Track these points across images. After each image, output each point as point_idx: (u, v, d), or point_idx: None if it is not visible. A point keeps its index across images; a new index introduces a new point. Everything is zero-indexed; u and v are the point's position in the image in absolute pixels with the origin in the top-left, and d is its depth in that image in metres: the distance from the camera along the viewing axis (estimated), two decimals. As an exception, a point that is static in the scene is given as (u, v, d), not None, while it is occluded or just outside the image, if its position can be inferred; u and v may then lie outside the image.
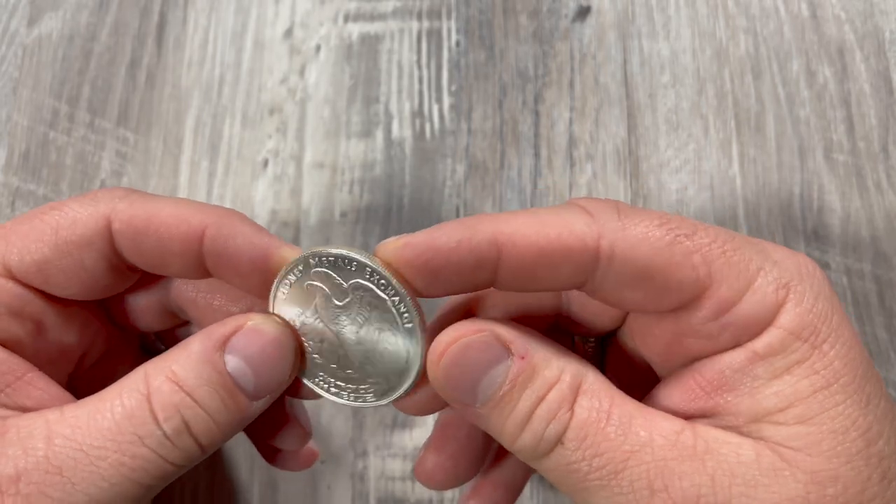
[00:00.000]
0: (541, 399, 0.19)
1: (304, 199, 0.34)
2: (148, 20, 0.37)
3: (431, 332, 0.21)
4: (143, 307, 0.25)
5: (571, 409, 0.19)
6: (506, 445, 0.20)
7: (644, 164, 0.34)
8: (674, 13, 0.36)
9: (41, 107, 0.36)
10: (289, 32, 0.37)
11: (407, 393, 0.21)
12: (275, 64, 0.36)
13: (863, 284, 0.32)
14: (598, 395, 0.19)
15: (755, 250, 0.19)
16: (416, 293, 0.20)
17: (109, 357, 0.25)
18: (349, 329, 0.21)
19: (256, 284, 0.22)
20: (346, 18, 0.37)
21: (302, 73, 0.36)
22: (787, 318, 0.19)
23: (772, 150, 0.34)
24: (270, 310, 0.22)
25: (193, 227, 0.21)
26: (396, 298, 0.21)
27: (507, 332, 0.20)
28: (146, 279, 0.24)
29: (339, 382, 0.22)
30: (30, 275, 0.22)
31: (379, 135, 0.35)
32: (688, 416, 0.20)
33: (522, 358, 0.19)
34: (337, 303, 0.21)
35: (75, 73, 0.37)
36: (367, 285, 0.21)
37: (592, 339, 0.25)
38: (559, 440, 0.19)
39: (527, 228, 0.19)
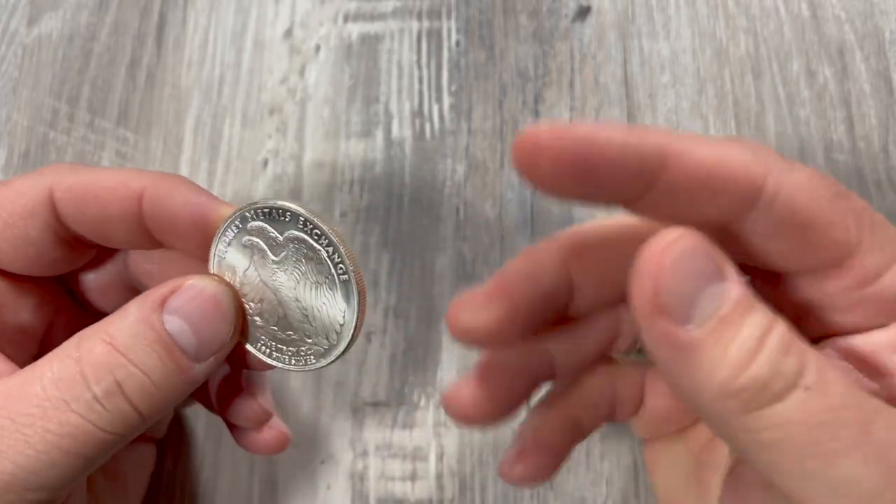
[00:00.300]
0: (769, 329, 0.16)
1: (304, 199, 0.34)
2: (148, 20, 0.37)
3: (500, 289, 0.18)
4: (103, 286, 0.24)
5: (803, 352, 0.16)
6: (716, 387, 0.16)
7: (644, 164, 0.34)
8: (674, 13, 0.36)
9: (41, 107, 0.36)
10: (289, 32, 0.37)
11: (345, 351, 0.21)
12: (275, 64, 0.36)
13: (863, 284, 0.32)
14: (809, 347, 0.16)
15: (893, 227, 0.18)
16: (545, 187, 0.17)
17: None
18: (286, 286, 0.21)
19: (198, 245, 0.21)
20: (346, 18, 0.37)
21: (302, 73, 0.36)
22: None
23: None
24: (210, 270, 0.22)
25: (132, 190, 0.21)
26: (330, 249, 0.20)
27: (722, 253, 0.17)
28: (102, 256, 0.24)
29: (280, 346, 0.22)
30: None
31: (379, 135, 0.35)
32: None
33: (742, 285, 0.16)
34: (273, 258, 0.21)
35: (75, 72, 0.37)
36: (301, 236, 0.21)
37: None
38: (798, 382, 0.16)
39: (697, 147, 0.17)
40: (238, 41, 0.37)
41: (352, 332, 0.21)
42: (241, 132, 0.36)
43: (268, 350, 0.22)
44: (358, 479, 0.31)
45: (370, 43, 0.36)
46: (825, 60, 0.35)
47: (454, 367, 0.32)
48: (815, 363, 0.16)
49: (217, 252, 0.22)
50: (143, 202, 0.21)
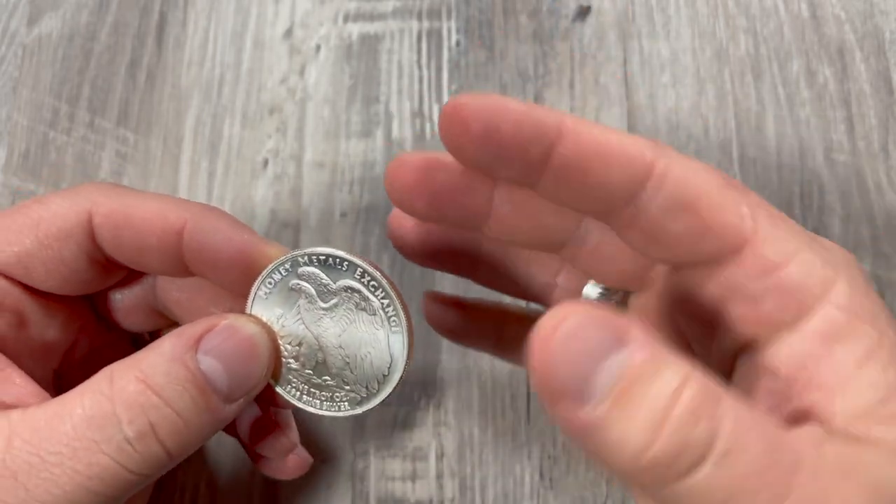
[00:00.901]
0: (677, 395, 0.15)
1: (303, 199, 0.34)
2: (148, 20, 0.37)
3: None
4: (130, 306, 0.24)
5: (717, 410, 0.15)
6: (626, 464, 0.15)
7: (644, 164, 0.34)
8: (674, 13, 0.36)
9: (41, 106, 0.36)
10: (289, 32, 0.37)
11: (386, 400, 0.21)
12: (275, 64, 0.36)
13: (863, 284, 0.32)
14: (734, 400, 0.15)
15: (802, 230, 0.18)
16: (465, 155, 0.18)
17: (100, 356, 0.25)
18: (331, 332, 0.21)
19: (236, 282, 0.21)
20: (346, 18, 0.37)
21: (302, 73, 0.36)
22: (842, 297, 0.17)
23: (772, 150, 0.34)
24: (248, 309, 0.22)
25: (172, 223, 0.21)
26: (386, 301, 0.21)
27: (623, 319, 0.16)
28: (131, 278, 0.24)
29: (312, 389, 0.22)
30: (10, 267, 0.21)
31: (379, 135, 0.35)
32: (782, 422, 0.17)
33: (645, 347, 0.15)
34: (322, 304, 0.21)
35: (75, 72, 0.37)
36: (356, 286, 0.21)
37: (619, 293, 0.22)
38: (710, 450, 0.15)
39: (591, 126, 0.18)
40: (238, 41, 0.37)
41: (395, 383, 0.21)
42: (241, 132, 0.36)
43: (298, 393, 0.22)
44: (358, 479, 0.31)
45: (370, 43, 0.36)
46: (825, 60, 0.35)
47: (454, 366, 0.32)
48: (730, 424, 0.15)
49: (258, 292, 0.21)
50: (185, 236, 0.21)
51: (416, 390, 0.32)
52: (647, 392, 0.15)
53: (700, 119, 0.34)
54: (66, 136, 0.36)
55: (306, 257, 0.21)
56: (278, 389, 0.22)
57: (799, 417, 0.17)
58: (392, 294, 0.21)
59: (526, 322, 0.23)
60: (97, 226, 0.21)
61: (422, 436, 0.31)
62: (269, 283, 0.21)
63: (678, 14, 0.36)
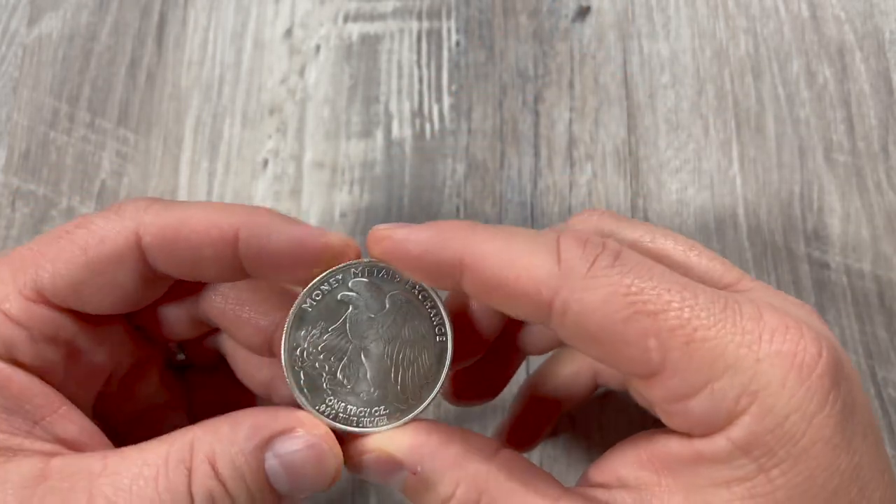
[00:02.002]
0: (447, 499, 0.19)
1: (304, 200, 0.34)
2: (148, 20, 0.37)
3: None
4: (173, 318, 0.24)
5: None
6: None
7: (644, 164, 0.34)
8: (674, 13, 0.36)
9: (41, 107, 0.36)
10: (289, 32, 0.37)
11: (425, 409, 0.21)
12: (275, 64, 0.36)
13: (863, 284, 0.32)
14: (503, 498, 0.19)
15: (739, 338, 0.18)
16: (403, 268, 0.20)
17: (138, 374, 0.25)
18: (377, 344, 0.21)
19: (300, 278, 0.21)
20: (346, 18, 0.37)
21: (302, 73, 0.36)
22: (738, 432, 0.17)
23: (772, 151, 0.34)
24: (287, 322, 0.21)
25: (225, 232, 0.21)
26: (433, 311, 0.21)
27: (402, 448, 0.20)
28: (176, 290, 0.24)
29: (350, 407, 0.22)
30: (64, 297, 0.21)
31: (379, 135, 0.35)
32: (628, 483, 0.20)
33: (414, 473, 0.20)
34: (370, 315, 0.21)
35: (75, 72, 0.37)
36: (406, 297, 0.21)
37: None
38: None
39: (492, 259, 0.19)
40: (238, 41, 0.37)
41: (437, 389, 0.21)
42: (241, 132, 0.36)
43: (333, 412, 0.21)
44: (358, 479, 0.31)
45: (370, 43, 0.36)
46: (825, 61, 0.35)
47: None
48: None
49: (304, 304, 0.21)
50: (241, 243, 0.21)
51: (416, 390, 0.32)
52: (427, 498, 0.20)
53: (700, 119, 0.34)
54: (67, 136, 0.36)
55: (359, 268, 0.21)
56: (310, 409, 0.21)
57: (646, 486, 0.19)
58: (440, 305, 0.21)
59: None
60: (148, 245, 0.21)
61: (422, 436, 0.31)
62: (317, 295, 0.21)
63: (678, 14, 0.36)
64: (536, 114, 0.35)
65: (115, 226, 0.21)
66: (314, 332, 0.21)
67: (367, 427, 0.21)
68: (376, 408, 0.21)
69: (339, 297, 0.21)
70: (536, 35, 0.36)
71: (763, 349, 0.18)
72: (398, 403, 0.21)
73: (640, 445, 0.20)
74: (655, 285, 0.18)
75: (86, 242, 0.21)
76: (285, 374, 0.21)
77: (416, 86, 0.36)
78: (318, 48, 0.37)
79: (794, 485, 0.17)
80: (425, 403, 0.21)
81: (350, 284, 0.21)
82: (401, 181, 0.34)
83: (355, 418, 0.21)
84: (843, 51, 0.35)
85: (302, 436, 0.20)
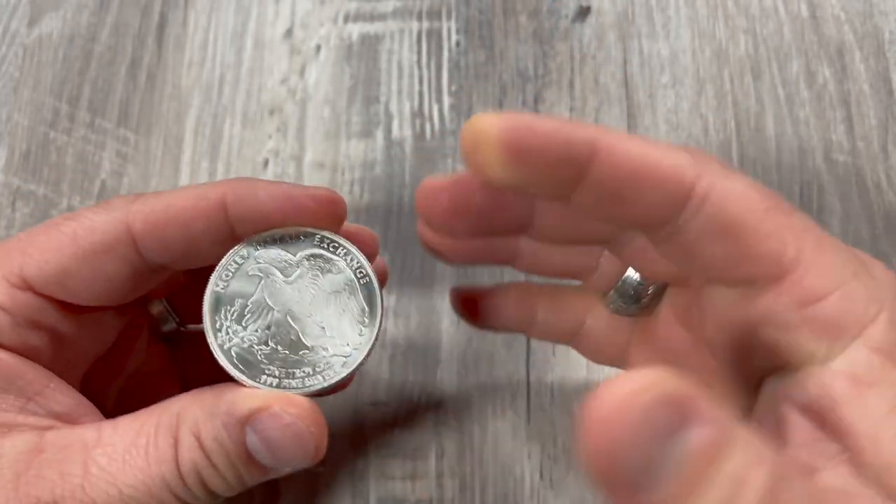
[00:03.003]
0: (741, 484, 0.14)
1: (304, 199, 0.35)
2: (148, 20, 0.37)
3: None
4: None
5: (788, 496, 0.14)
6: None
7: (644, 164, 0.34)
8: (674, 13, 0.36)
9: (41, 107, 0.36)
10: (289, 32, 0.37)
11: (371, 352, 0.21)
12: (275, 64, 0.36)
13: (862, 284, 0.32)
14: (802, 479, 0.15)
15: (853, 257, 0.18)
16: (491, 182, 0.17)
17: (119, 345, 0.25)
18: (300, 304, 0.21)
19: (291, 224, 0.22)
20: (346, 19, 0.37)
21: (302, 73, 0.36)
22: (879, 338, 0.16)
23: (771, 151, 0.34)
24: (204, 307, 0.21)
25: (212, 201, 0.21)
26: (349, 257, 0.21)
27: (688, 388, 0.14)
28: (167, 285, 0.24)
29: (291, 370, 0.21)
30: (50, 286, 0.21)
31: (379, 135, 0.35)
32: (817, 468, 0.16)
33: (712, 423, 0.14)
34: (285, 278, 0.21)
35: (76, 73, 0.37)
36: (317, 252, 0.21)
37: (657, 284, 0.22)
38: None
39: (628, 143, 0.17)
40: (238, 41, 0.37)
41: (377, 328, 0.21)
42: (241, 132, 0.36)
43: (276, 380, 0.21)
44: (358, 479, 0.31)
45: (370, 43, 0.36)
46: (825, 61, 0.35)
47: (454, 366, 0.32)
48: None
49: (215, 287, 0.21)
50: (230, 207, 0.21)
51: (416, 390, 0.32)
52: (716, 476, 0.14)
53: (700, 119, 0.34)
54: (67, 136, 0.36)
55: (262, 239, 0.21)
56: (252, 384, 0.21)
57: (827, 463, 0.16)
58: (352, 249, 0.21)
59: (559, 297, 0.25)
60: (139, 233, 0.21)
61: (422, 436, 0.31)
62: (227, 275, 0.21)
63: (678, 14, 0.36)
64: (537, 113, 0.35)
65: (105, 216, 0.21)
66: (234, 309, 0.22)
67: (318, 384, 0.21)
68: (320, 364, 0.21)
69: (249, 271, 0.21)
70: (536, 35, 0.36)
71: (873, 269, 0.18)
72: (341, 354, 0.21)
73: (796, 421, 0.17)
74: (774, 194, 0.18)
75: (75, 232, 0.21)
76: (216, 357, 0.21)
77: (416, 86, 0.36)
78: (318, 48, 0.37)
79: None
80: (370, 343, 0.21)
81: (256, 257, 0.21)
82: (401, 181, 0.34)
83: (301, 380, 0.21)
84: (843, 51, 0.35)
85: (279, 414, 0.20)
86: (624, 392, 0.14)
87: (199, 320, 0.27)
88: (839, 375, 0.16)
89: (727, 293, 0.19)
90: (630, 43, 0.36)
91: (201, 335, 0.28)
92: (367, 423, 0.31)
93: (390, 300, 0.33)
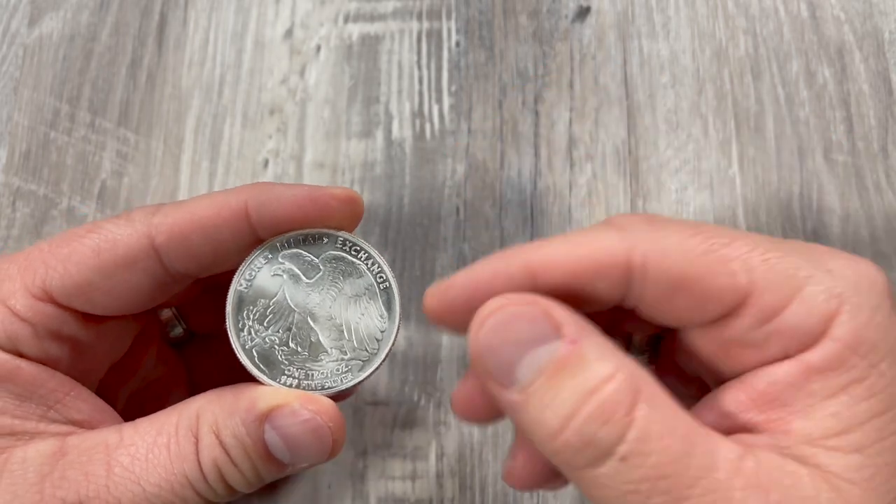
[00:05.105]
0: (591, 393, 0.16)
1: (304, 199, 0.35)
2: (148, 20, 0.37)
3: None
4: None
5: (631, 415, 0.16)
6: (541, 445, 0.18)
7: (644, 164, 0.34)
8: (673, 13, 0.36)
9: (42, 107, 0.36)
10: (289, 33, 0.37)
11: (388, 355, 0.21)
12: (275, 64, 0.37)
13: (862, 284, 0.32)
14: (661, 405, 0.17)
15: (805, 258, 0.18)
16: (455, 327, 0.20)
17: (131, 351, 0.25)
18: (321, 306, 0.22)
19: (313, 225, 0.22)
20: (347, 19, 0.37)
21: (302, 73, 0.36)
22: (842, 331, 0.17)
23: (771, 151, 0.34)
24: (228, 306, 0.22)
25: (235, 208, 0.21)
26: (370, 261, 0.21)
27: (562, 312, 0.18)
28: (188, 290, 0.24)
29: (311, 372, 0.22)
30: (71, 298, 0.21)
31: (379, 135, 0.35)
32: (736, 430, 0.18)
33: (573, 343, 0.17)
34: (307, 280, 0.22)
35: (76, 73, 0.37)
36: (339, 255, 0.21)
37: (649, 339, 0.23)
38: (613, 450, 0.16)
39: (557, 251, 0.19)
40: (238, 41, 0.37)
41: (394, 334, 0.21)
42: (241, 132, 0.36)
43: (295, 381, 0.22)
44: (358, 479, 0.31)
45: (370, 43, 0.36)
46: (824, 61, 0.35)
47: (454, 367, 0.32)
48: (638, 430, 0.16)
49: (238, 287, 0.22)
50: (252, 213, 0.21)
51: (416, 390, 0.32)
52: (566, 384, 0.17)
53: (700, 119, 0.34)
54: (67, 136, 0.36)
55: (285, 241, 0.21)
56: (272, 383, 0.22)
57: (752, 429, 0.18)
58: (374, 253, 0.21)
59: None
60: (162, 245, 0.21)
61: (422, 436, 0.31)
62: (251, 276, 0.22)
63: (678, 14, 0.36)
64: (536, 114, 0.35)
65: (127, 230, 0.22)
66: (256, 309, 0.22)
67: (336, 386, 0.22)
68: (338, 367, 0.22)
69: (272, 273, 0.22)
70: (536, 35, 0.36)
71: (829, 263, 0.18)
72: (358, 357, 0.22)
73: (735, 392, 0.19)
74: (711, 227, 0.19)
75: (98, 245, 0.21)
76: (238, 357, 0.22)
77: (416, 86, 0.36)
78: (318, 48, 0.37)
79: None
80: (387, 349, 0.21)
81: (279, 258, 0.22)
82: (401, 181, 0.34)
83: (320, 382, 0.22)
84: (843, 51, 0.35)
85: (298, 410, 0.21)
86: (494, 309, 0.17)
87: (206, 327, 0.27)
88: (795, 366, 0.18)
89: (700, 331, 0.20)
90: (630, 43, 0.36)
91: (208, 340, 0.28)
92: (367, 423, 0.31)
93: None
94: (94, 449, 0.20)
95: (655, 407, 0.17)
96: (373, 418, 0.31)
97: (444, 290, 0.19)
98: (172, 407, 0.21)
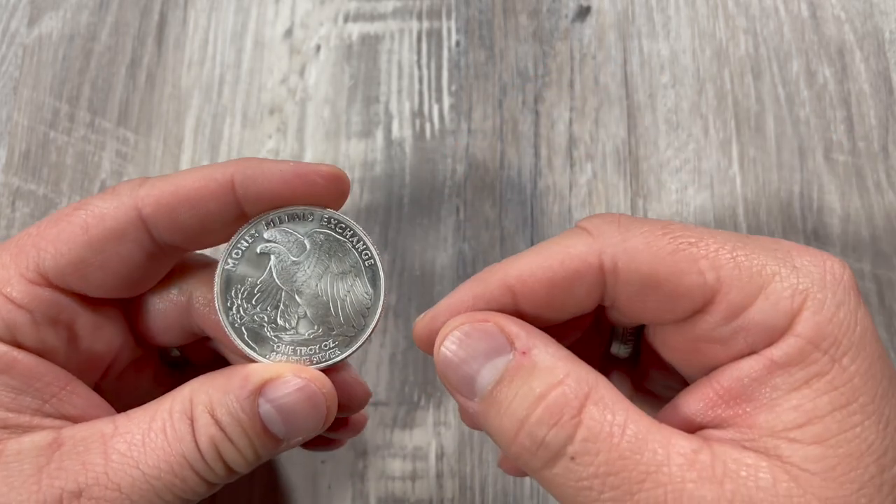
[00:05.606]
0: (540, 398, 0.18)
1: (304, 199, 0.34)
2: (148, 20, 0.37)
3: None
4: (165, 325, 0.25)
5: (579, 417, 0.18)
6: (505, 450, 0.19)
7: (644, 164, 0.34)
8: (674, 13, 0.36)
9: (41, 107, 0.36)
10: (289, 32, 0.37)
11: (373, 331, 0.22)
12: (275, 64, 0.36)
13: (863, 284, 0.32)
14: (610, 406, 0.18)
15: (771, 255, 0.19)
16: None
17: (135, 371, 0.25)
18: (308, 283, 0.22)
19: (299, 202, 0.22)
20: (346, 18, 0.37)
21: (302, 73, 0.36)
22: (804, 327, 0.18)
23: (772, 150, 0.34)
24: (216, 283, 0.22)
25: (221, 181, 0.21)
26: (355, 238, 0.22)
27: (514, 327, 0.19)
28: (169, 302, 0.24)
29: (299, 348, 0.22)
30: (67, 277, 0.21)
31: (379, 135, 0.35)
32: (704, 425, 0.19)
33: (524, 353, 0.19)
34: (294, 258, 0.22)
35: (75, 72, 0.37)
36: (325, 232, 0.22)
37: (632, 331, 0.24)
38: (563, 451, 0.18)
39: (530, 265, 0.20)
40: (238, 41, 0.37)
41: (379, 310, 0.22)
42: (241, 132, 0.36)
43: (284, 357, 0.22)
44: (358, 479, 0.31)
45: (370, 43, 0.36)
46: (825, 60, 0.35)
47: (454, 366, 0.32)
48: (588, 430, 0.17)
49: (225, 266, 0.22)
50: (238, 186, 0.21)
51: (416, 390, 0.32)
52: (519, 391, 0.18)
53: (700, 119, 0.34)
54: (67, 136, 0.36)
55: (271, 219, 0.22)
56: (263, 360, 0.22)
57: (720, 424, 0.19)
58: (359, 231, 0.22)
59: None
60: (149, 217, 0.21)
61: (422, 436, 0.31)
62: (237, 254, 0.22)
63: (678, 14, 0.36)
64: (536, 114, 0.35)
65: (113, 203, 0.22)
66: (244, 287, 0.22)
67: (323, 362, 0.22)
68: (325, 342, 0.22)
69: (258, 250, 0.22)
70: (536, 35, 0.36)
71: (796, 260, 0.19)
72: (344, 333, 0.22)
73: (703, 388, 0.19)
74: (680, 226, 0.19)
75: (85, 222, 0.21)
76: (227, 333, 0.22)
77: (416, 86, 0.36)
78: (318, 48, 0.37)
79: (863, 371, 0.18)
80: (373, 325, 0.22)
81: (266, 236, 0.22)
82: (401, 181, 0.34)
83: (308, 357, 0.22)
84: (843, 51, 0.35)
85: (291, 380, 0.21)
86: (447, 331, 0.19)
87: (202, 357, 0.27)
88: (757, 359, 0.18)
89: (672, 328, 0.20)
90: (630, 43, 0.36)
91: (206, 363, 0.28)
92: (367, 423, 0.31)
93: (390, 300, 0.33)
94: (89, 438, 0.20)
95: (605, 408, 0.18)
96: (373, 418, 0.31)
97: (431, 320, 0.20)
98: (163, 395, 0.21)
